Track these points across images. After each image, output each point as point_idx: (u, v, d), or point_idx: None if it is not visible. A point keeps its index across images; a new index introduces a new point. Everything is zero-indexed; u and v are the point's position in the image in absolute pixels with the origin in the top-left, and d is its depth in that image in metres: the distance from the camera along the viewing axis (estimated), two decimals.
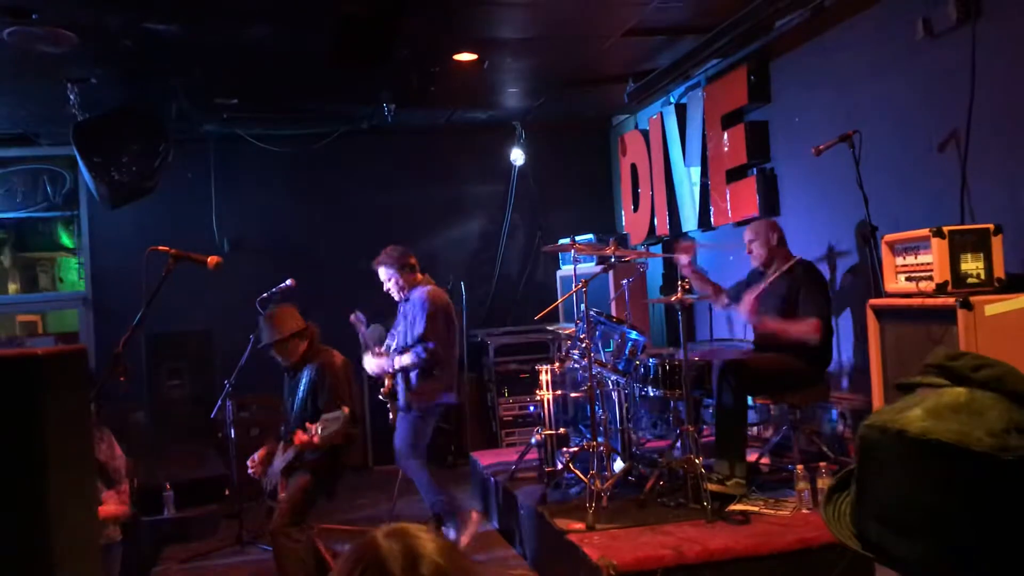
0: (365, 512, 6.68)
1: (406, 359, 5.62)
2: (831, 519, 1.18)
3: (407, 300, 5.76)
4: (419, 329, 5.56)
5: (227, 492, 6.61)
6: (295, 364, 5.07)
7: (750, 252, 5.42)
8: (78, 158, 6.61)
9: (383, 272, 5.78)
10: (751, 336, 5.75)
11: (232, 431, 6.17)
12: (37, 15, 5.04)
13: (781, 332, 5.14)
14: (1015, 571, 0.99)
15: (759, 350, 5.45)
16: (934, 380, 1.60)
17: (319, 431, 4.58)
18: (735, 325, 6.85)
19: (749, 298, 5.25)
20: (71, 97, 6.38)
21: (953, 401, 1.06)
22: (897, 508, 1.05)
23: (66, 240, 8.64)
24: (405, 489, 6.07)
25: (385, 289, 5.81)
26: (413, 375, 5.66)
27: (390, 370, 5.72)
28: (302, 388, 5.03)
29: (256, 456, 5.19)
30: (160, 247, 3.93)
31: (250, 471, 5.18)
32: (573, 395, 5.89)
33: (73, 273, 8.68)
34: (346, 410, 4.66)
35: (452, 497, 5.62)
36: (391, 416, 5.80)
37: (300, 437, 4.68)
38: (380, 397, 5.83)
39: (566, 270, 8.12)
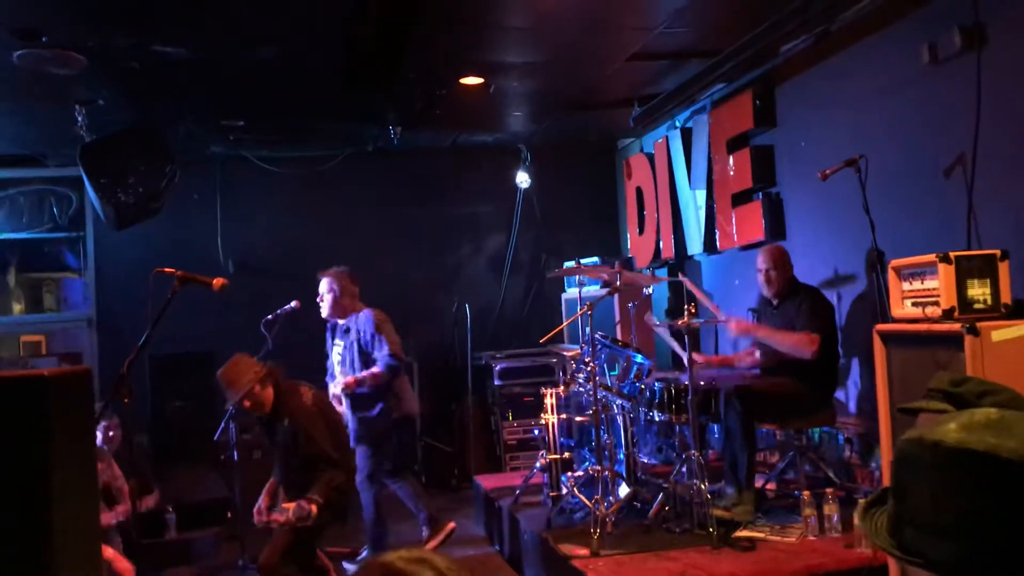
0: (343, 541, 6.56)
1: (376, 370, 5.76)
2: (871, 531, 1.27)
3: (346, 328, 5.97)
4: (382, 344, 5.78)
5: (229, 515, 6.58)
6: (270, 416, 4.89)
7: (768, 281, 5.38)
8: (85, 179, 6.64)
9: (325, 284, 6.01)
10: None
11: (235, 453, 6.14)
12: (46, 38, 5.08)
13: (772, 339, 5.14)
14: None
15: (765, 375, 5.43)
16: (938, 406, 1.62)
17: (291, 515, 4.53)
18: (740, 350, 6.81)
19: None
20: (78, 118, 6.41)
21: (985, 418, 1.15)
22: (933, 513, 1.13)
23: (71, 261, 8.65)
24: (394, 511, 6.11)
25: (320, 299, 6.02)
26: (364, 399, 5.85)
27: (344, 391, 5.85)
28: (280, 443, 4.94)
29: (261, 505, 5.04)
30: (166, 269, 3.93)
31: (257, 522, 4.99)
32: (578, 419, 5.87)
33: (78, 294, 8.69)
34: (314, 509, 4.51)
35: (387, 531, 6.00)
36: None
37: (276, 518, 4.67)
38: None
39: (571, 293, 8.12)
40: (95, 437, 2.93)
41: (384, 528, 5.96)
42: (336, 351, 6.09)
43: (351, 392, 5.82)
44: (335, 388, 5.91)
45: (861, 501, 1.38)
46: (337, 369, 6.08)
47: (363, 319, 5.91)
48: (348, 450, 5.24)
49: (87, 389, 2.78)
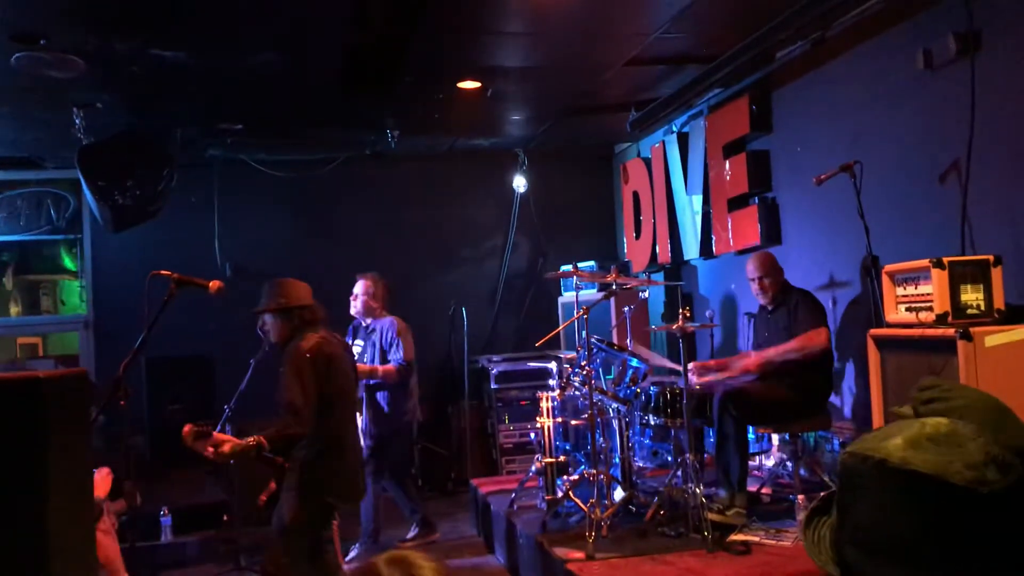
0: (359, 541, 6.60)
1: (391, 367, 6.16)
2: (810, 543, 1.20)
3: (371, 329, 6.34)
4: (399, 348, 6.20)
5: (225, 518, 6.57)
6: (278, 346, 4.45)
7: (762, 289, 5.38)
8: (82, 182, 6.65)
9: (364, 286, 6.37)
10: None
11: None
12: (45, 41, 5.09)
13: (782, 354, 5.14)
14: None
15: (761, 379, 5.44)
16: (908, 412, 1.61)
17: (229, 446, 3.88)
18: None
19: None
20: (77, 121, 6.42)
21: (934, 432, 1.08)
22: (875, 534, 1.07)
23: (69, 263, 8.66)
24: (388, 514, 6.17)
25: (353, 295, 6.36)
26: (383, 399, 6.22)
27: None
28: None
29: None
30: (162, 271, 3.94)
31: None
32: (574, 422, 5.87)
33: (75, 296, 8.69)
34: (253, 440, 3.88)
35: (380, 526, 6.23)
36: None
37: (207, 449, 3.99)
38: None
39: (568, 297, 8.13)
40: (91, 439, 2.94)
41: (377, 526, 6.08)
42: (355, 350, 6.26)
43: (364, 377, 6.06)
44: None
45: (808, 508, 1.33)
46: None
47: (387, 324, 6.29)
48: (333, 408, 4.22)
49: (83, 391, 2.79)
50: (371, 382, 6.22)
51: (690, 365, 5.47)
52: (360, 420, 6.14)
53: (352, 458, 4.34)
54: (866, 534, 1.09)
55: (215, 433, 3.92)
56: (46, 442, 2.43)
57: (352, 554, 6.01)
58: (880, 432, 1.13)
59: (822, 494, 1.24)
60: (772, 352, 5.23)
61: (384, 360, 6.24)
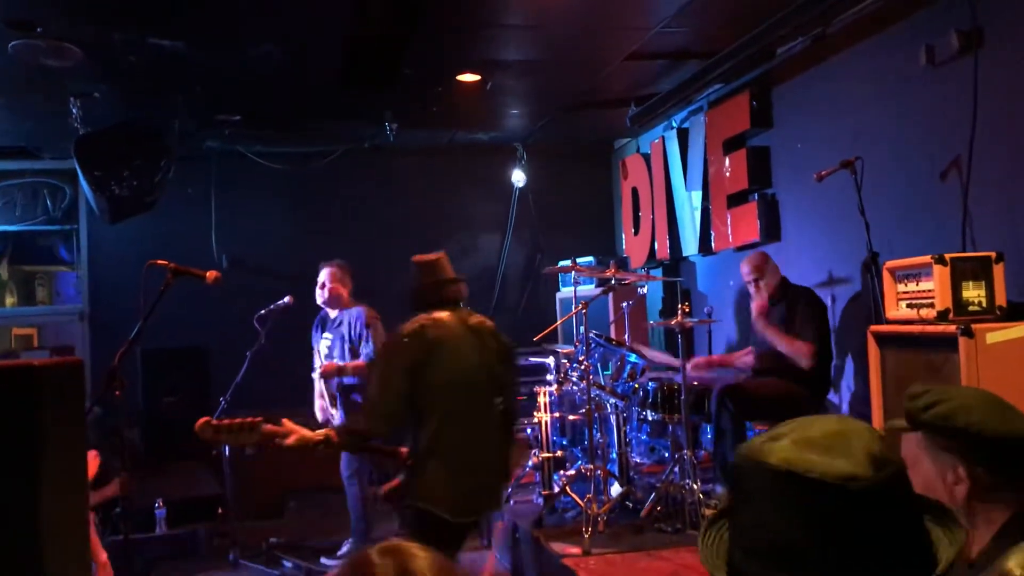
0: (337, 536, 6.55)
1: (361, 362, 5.79)
2: (705, 547, 1.19)
3: (339, 321, 6.02)
4: (368, 341, 5.83)
5: (220, 511, 6.56)
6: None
7: (757, 290, 5.37)
8: (79, 172, 6.61)
9: (329, 273, 6.05)
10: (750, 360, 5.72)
11: (227, 449, 6.13)
12: (42, 28, 5.05)
13: (777, 339, 5.14)
14: None
15: (758, 375, 5.43)
16: (899, 423, 1.59)
17: (284, 440, 3.49)
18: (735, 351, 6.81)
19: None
20: (74, 111, 6.38)
21: (822, 432, 1.07)
22: (760, 538, 1.06)
23: (64, 254, 8.62)
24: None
25: (319, 284, 6.04)
26: (357, 396, 5.83)
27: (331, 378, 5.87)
28: None
29: None
30: (159, 261, 3.92)
31: None
32: (571, 417, 5.86)
33: (71, 287, 8.66)
34: (322, 435, 3.53)
35: (372, 523, 5.92)
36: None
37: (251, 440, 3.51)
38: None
39: (566, 292, 8.11)
40: (85, 429, 2.92)
41: (367, 524, 5.97)
42: (324, 343, 6.10)
43: (330, 377, 5.85)
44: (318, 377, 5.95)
45: (708, 516, 1.29)
46: (321, 362, 6.07)
47: (355, 314, 5.97)
48: (434, 403, 3.64)
49: (78, 381, 2.76)
50: (345, 381, 5.87)
51: (691, 361, 5.47)
52: (337, 418, 5.92)
53: (462, 463, 3.52)
54: (751, 537, 1.07)
55: (285, 421, 3.45)
56: (40, 432, 2.41)
57: (342, 551, 5.99)
58: (773, 431, 1.12)
59: (724, 502, 1.21)
60: (772, 331, 5.21)
61: (354, 355, 5.91)
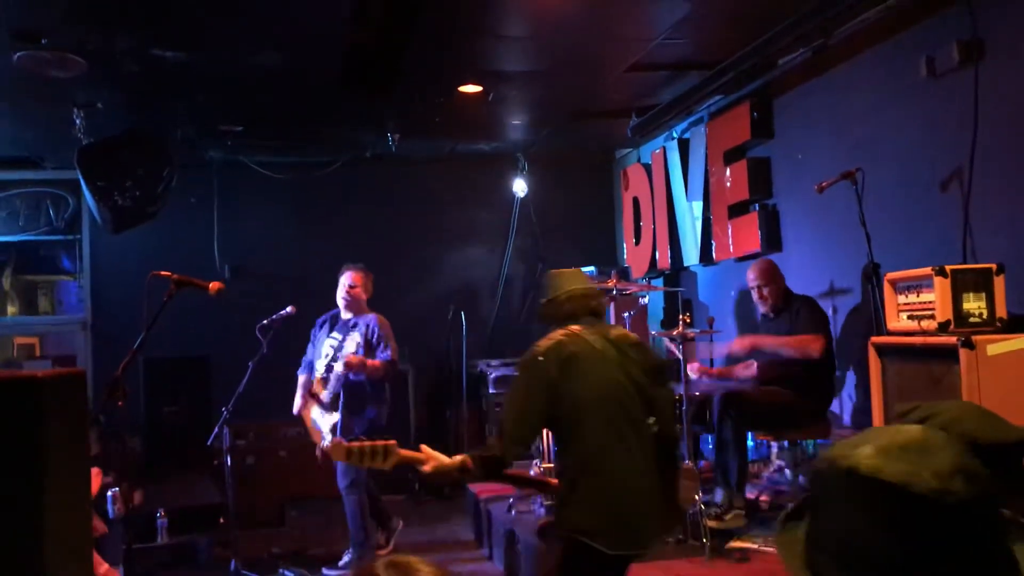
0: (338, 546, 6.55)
1: (378, 363, 5.78)
2: (782, 545, 1.20)
3: (353, 323, 5.97)
4: (387, 347, 5.84)
5: (221, 520, 6.55)
6: None
7: (762, 297, 5.38)
8: (82, 182, 6.63)
9: (353, 277, 6.03)
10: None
11: (228, 459, 6.12)
12: (46, 40, 5.08)
13: (778, 346, 5.14)
14: None
15: (762, 384, 5.43)
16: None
17: (422, 467, 3.18)
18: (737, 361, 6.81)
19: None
20: (77, 121, 6.41)
21: (906, 440, 1.07)
22: (842, 541, 1.06)
23: (67, 264, 8.64)
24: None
25: (345, 287, 6.00)
26: (361, 399, 5.85)
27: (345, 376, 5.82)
28: None
29: None
30: (162, 272, 3.93)
31: None
32: None
33: (73, 297, 8.67)
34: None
35: (372, 532, 5.97)
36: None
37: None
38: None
39: None
40: (88, 439, 2.92)
41: (366, 534, 5.94)
42: (329, 343, 6.02)
43: (354, 369, 5.78)
44: (322, 373, 5.95)
45: (783, 512, 1.31)
46: (322, 363, 6.03)
47: (372, 319, 5.97)
48: (581, 424, 3.30)
49: (81, 391, 2.78)
50: (351, 377, 5.83)
51: (690, 365, 5.47)
52: (336, 419, 5.90)
53: (618, 490, 3.13)
54: (835, 541, 1.08)
55: (423, 447, 3.19)
56: (43, 443, 2.41)
57: (343, 561, 5.96)
58: (855, 439, 1.12)
59: (798, 500, 1.22)
60: (768, 340, 5.22)
61: (369, 355, 5.86)
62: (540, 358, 3.18)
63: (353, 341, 5.92)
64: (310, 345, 6.19)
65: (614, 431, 3.14)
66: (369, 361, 5.81)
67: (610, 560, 3.06)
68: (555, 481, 3.29)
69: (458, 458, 3.13)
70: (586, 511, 3.09)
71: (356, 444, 3.06)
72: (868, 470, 1.04)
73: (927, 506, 1.00)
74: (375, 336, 5.92)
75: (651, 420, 3.24)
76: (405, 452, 3.11)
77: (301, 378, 6.14)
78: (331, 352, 5.99)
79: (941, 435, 1.08)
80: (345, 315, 6.07)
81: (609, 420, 3.15)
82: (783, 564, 1.17)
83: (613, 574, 3.12)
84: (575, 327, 3.29)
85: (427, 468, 3.10)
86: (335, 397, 5.91)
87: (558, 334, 3.26)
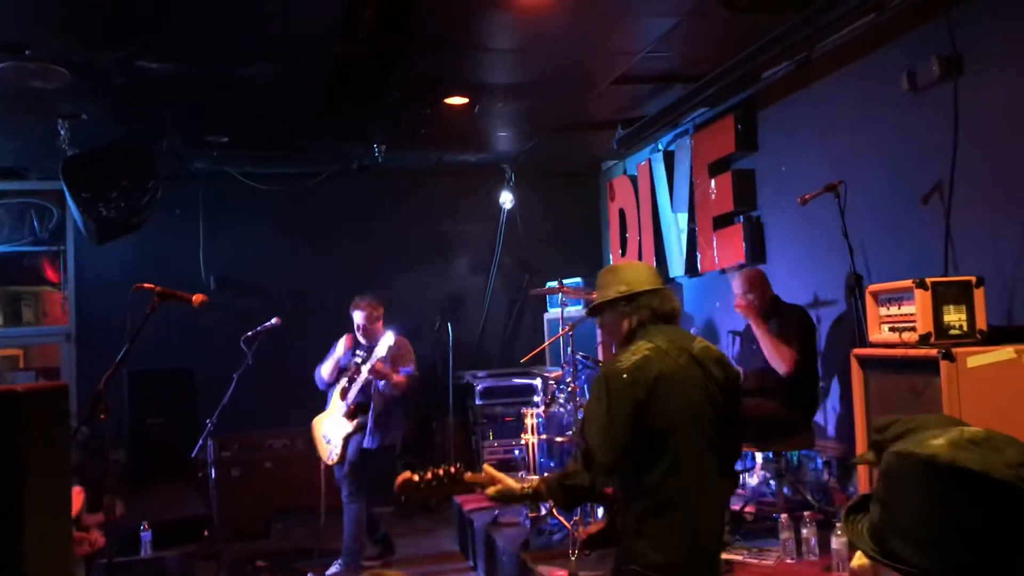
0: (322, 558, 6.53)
1: (402, 377, 6.02)
2: (853, 535, 1.31)
3: (370, 347, 6.09)
4: (411, 365, 6.11)
5: (206, 533, 6.52)
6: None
7: (745, 305, 5.36)
8: (66, 193, 6.60)
9: (364, 317, 6.20)
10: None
11: (212, 471, 6.11)
12: (30, 51, 5.07)
13: (762, 338, 5.15)
14: None
15: (745, 395, 5.44)
16: (868, 457, 1.65)
17: (484, 490, 2.95)
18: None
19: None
20: (61, 132, 6.38)
21: (973, 436, 1.19)
22: (920, 524, 1.17)
23: (52, 275, 8.60)
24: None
25: (361, 328, 6.19)
26: (384, 414, 6.03)
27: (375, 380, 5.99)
28: None
29: None
30: (145, 284, 3.92)
31: None
32: (558, 439, 5.85)
33: (57, 308, 8.63)
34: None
35: (364, 546, 6.10)
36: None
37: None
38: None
39: (553, 313, 8.14)
40: (70, 453, 2.91)
41: (361, 545, 5.98)
42: (354, 360, 6.20)
43: (379, 377, 5.96)
44: (346, 383, 6.12)
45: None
46: (347, 374, 6.20)
47: (392, 339, 6.03)
48: (662, 449, 2.91)
49: (63, 405, 2.77)
50: (380, 387, 6.04)
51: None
52: (349, 429, 6.05)
53: (689, 520, 2.85)
54: (910, 525, 1.18)
55: (487, 467, 2.98)
56: (24, 457, 2.40)
57: (331, 571, 5.96)
58: (917, 437, 1.23)
59: (860, 494, 1.37)
60: (762, 327, 5.19)
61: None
62: (625, 376, 2.83)
63: (377, 357, 6.02)
64: (328, 361, 6.28)
65: (696, 461, 2.86)
66: (396, 377, 6.01)
67: None
68: (610, 491, 3.01)
69: (530, 483, 2.89)
70: (662, 547, 2.81)
71: (427, 477, 2.86)
72: (948, 459, 1.15)
73: (1004, 491, 1.12)
74: (398, 352, 6.10)
75: (726, 439, 2.97)
76: (471, 475, 2.93)
77: (337, 400, 6.22)
78: (357, 364, 6.12)
79: (1003, 435, 1.19)
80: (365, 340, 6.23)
81: (693, 449, 2.86)
82: (856, 547, 1.29)
83: None
84: (659, 339, 2.93)
85: (491, 491, 2.90)
86: (355, 407, 5.98)
87: (643, 347, 2.90)
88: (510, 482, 2.89)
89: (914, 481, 1.18)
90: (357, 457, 5.97)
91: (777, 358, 5.07)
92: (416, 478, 2.84)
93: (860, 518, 1.31)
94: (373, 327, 6.18)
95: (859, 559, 1.43)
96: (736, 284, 5.47)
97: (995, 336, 3.75)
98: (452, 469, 2.87)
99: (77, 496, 4.81)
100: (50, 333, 8.56)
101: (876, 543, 1.24)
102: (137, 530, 6.19)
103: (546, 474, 3.10)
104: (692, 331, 6.49)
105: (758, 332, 5.21)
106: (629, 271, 3.14)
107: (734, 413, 2.99)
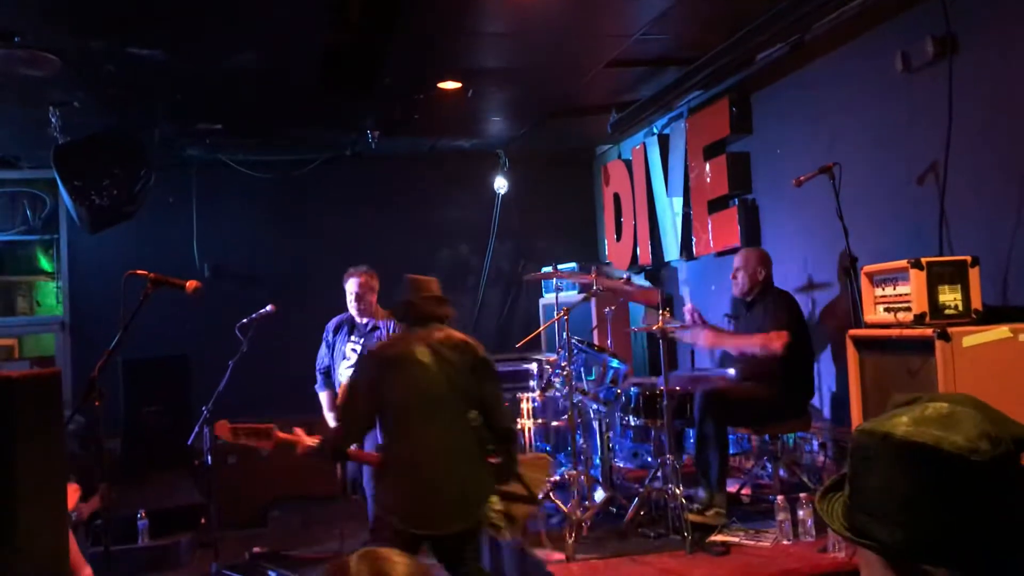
0: (337, 543, 6.56)
1: None
2: (824, 512, 1.35)
3: (373, 328, 5.82)
4: None
5: (203, 521, 6.52)
6: None
7: (734, 279, 5.44)
8: (58, 182, 6.57)
9: (368, 282, 5.84)
10: (731, 365, 5.75)
11: (209, 459, 6.09)
12: (19, 38, 5.03)
13: (741, 345, 5.17)
14: (978, 558, 1.15)
15: (742, 380, 5.46)
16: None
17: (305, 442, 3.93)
18: (717, 354, 6.84)
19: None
20: (53, 120, 6.34)
21: (936, 412, 1.22)
22: (882, 500, 1.21)
23: (45, 264, 8.57)
24: None
25: (355, 295, 5.79)
26: None
27: None
28: None
29: None
30: (138, 271, 3.90)
31: None
32: (554, 424, 5.87)
33: (51, 297, 8.60)
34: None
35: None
36: None
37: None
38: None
39: (549, 298, 8.13)
40: (64, 440, 2.90)
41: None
42: (350, 348, 5.87)
43: None
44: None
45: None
46: (345, 367, 5.98)
47: (392, 324, 5.76)
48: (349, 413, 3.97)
49: (55, 392, 2.76)
50: None
51: (687, 306, 5.54)
52: None
53: (417, 477, 3.72)
54: (873, 501, 1.22)
55: (297, 430, 3.91)
56: (17, 443, 2.40)
57: None
58: (887, 414, 1.27)
59: (836, 475, 1.38)
60: (730, 340, 5.26)
61: None
62: (366, 357, 3.88)
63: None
64: (324, 352, 5.97)
65: (420, 427, 3.71)
66: None
67: (405, 536, 3.59)
68: (377, 458, 3.90)
69: (315, 438, 3.82)
70: (390, 493, 3.76)
71: (242, 425, 3.73)
72: (903, 435, 1.18)
73: (956, 464, 1.14)
74: None
75: (472, 415, 3.77)
76: (282, 435, 3.79)
77: (324, 396, 5.91)
78: (353, 357, 5.78)
79: (967, 409, 1.21)
80: (360, 319, 5.87)
81: (418, 417, 3.71)
82: (829, 526, 1.32)
83: (407, 547, 3.37)
84: (409, 331, 3.88)
85: (300, 451, 3.78)
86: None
87: (392, 337, 3.99)
88: (308, 441, 3.79)
89: (874, 458, 1.22)
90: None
91: (767, 347, 5.04)
92: (231, 425, 3.75)
93: (835, 498, 1.34)
94: (368, 299, 5.84)
95: None
96: (735, 259, 5.50)
97: (990, 315, 3.76)
98: (266, 426, 3.77)
99: (73, 493, 4.80)
100: (44, 322, 8.54)
101: (847, 520, 1.27)
102: (134, 519, 6.20)
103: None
104: (685, 306, 6.42)
105: (737, 346, 5.26)
106: (417, 284, 3.97)
107: (485, 392, 3.83)
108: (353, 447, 3.90)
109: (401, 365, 3.75)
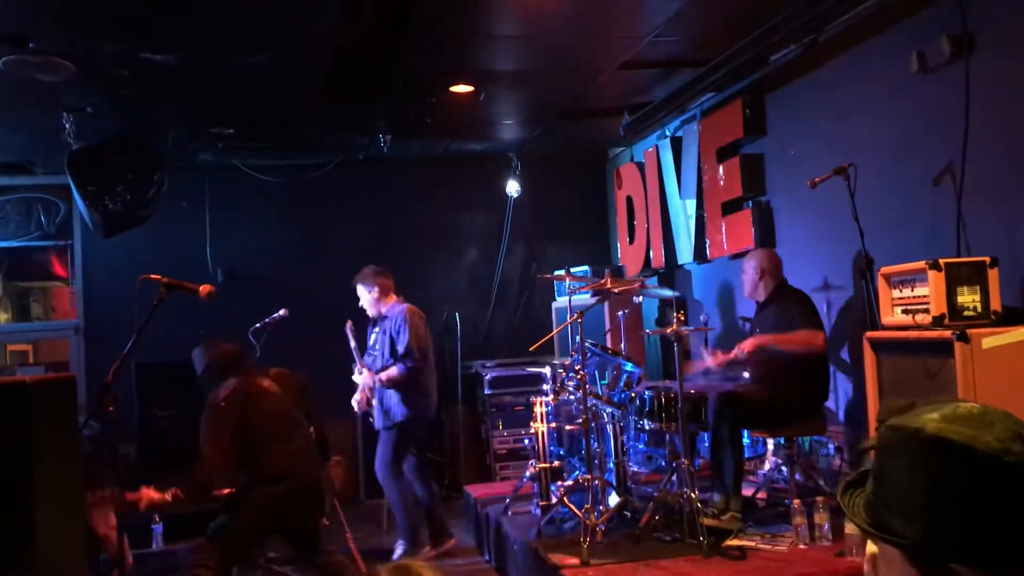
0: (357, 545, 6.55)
1: (393, 371, 5.96)
2: (846, 507, 1.34)
3: (384, 317, 6.15)
4: (403, 343, 5.96)
5: None
6: None
7: (744, 279, 5.39)
8: (72, 187, 6.60)
9: (361, 289, 6.19)
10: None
11: None
12: (34, 44, 5.05)
13: (781, 344, 5.07)
14: (1005, 558, 1.13)
15: (756, 383, 5.42)
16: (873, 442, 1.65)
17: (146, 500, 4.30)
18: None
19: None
20: (66, 126, 6.37)
21: (967, 411, 1.20)
22: (905, 495, 1.19)
23: (59, 269, 8.60)
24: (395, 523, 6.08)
25: (361, 304, 6.20)
26: (392, 392, 6.05)
27: (374, 385, 6.07)
28: None
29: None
30: (152, 276, 3.90)
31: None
32: (568, 428, 5.84)
33: (66, 303, 8.63)
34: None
35: (419, 521, 6.10)
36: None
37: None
38: (356, 410, 6.34)
39: (561, 301, 8.11)
40: (79, 443, 2.90)
41: (412, 524, 6.00)
42: (373, 337, 6.26)
43: (382, 385, 6.04)
44: (358, 378, 6.20)
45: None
46: (366, 359, 6.24)
47: (398, 311, 6.10)
48: (232, 460, 4.48)
49: (70, 396, 2.76)
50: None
51: (699, 364, 5.49)
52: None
53: (290, 476, 4.50)
54: (897, 496, 1.20)
55: (143, 488, 4.29)
56: (33, 447, 2.40)
57: (397, 553, 5.98)
58: (915, 411, 1.25)
59: (859, 471, 1.36)
60: (769, 338, 5.13)
61: (393, 351, 6.03)
62: (223, 404, 4.40)
63: (382, 335, 6.13)
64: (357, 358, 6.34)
65: (285, 440, 4.52)
66: (383, 375, 5.99)
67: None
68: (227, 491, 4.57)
69: (170, 492, 4.29)
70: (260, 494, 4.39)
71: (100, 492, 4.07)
72: (934, 431, 1.16)
73: (988, 464, 1.13)
74: (395, 328, 6.05)
75: (311, 428, 4.78)
76: (128, 495, 4.22)
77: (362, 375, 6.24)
78: (374, 348, 6.24)
79: (999, 411, 1.19)
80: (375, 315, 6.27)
81: (282, 434, 4.52)
82: (851, 521, 1.31)
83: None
84: (246, 377, 4.58)
85: (142, 506, 4.25)
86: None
87: (232, 382, 4.47)
88: (154, 495, 4.26)
89: (901, 453, 1.21)
90: (380, 440, 6.08)
91: (809, 345, 4.96)
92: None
93: (857, 493, 1.33)
94: (366, 302, 6.19)
95: (871, 547, 1.42)
96: (749, 258, 5.48)
97: (1010, 317, 3.72)
98: (108, 494, 4.09)
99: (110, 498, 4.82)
100: (59, 328, 8.57)
101: (869, 516, 1.26)
102: (148, 524, 6.20)
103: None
104: (701, 317, 6.42)
105: (774, 345, 5.11)
106: (210, 348, 4.74)
107: (310, 410, 4.90)
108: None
109: (259, 396, 4.54)
